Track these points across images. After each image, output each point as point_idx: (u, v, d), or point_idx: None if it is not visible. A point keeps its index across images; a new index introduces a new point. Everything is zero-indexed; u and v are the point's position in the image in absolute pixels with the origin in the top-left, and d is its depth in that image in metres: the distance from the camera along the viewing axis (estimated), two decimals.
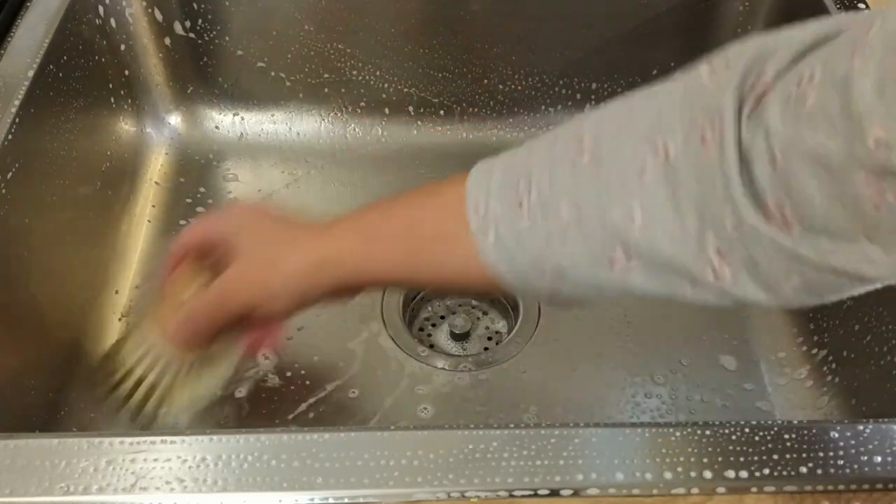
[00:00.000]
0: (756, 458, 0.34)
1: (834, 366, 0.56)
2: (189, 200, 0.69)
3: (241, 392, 0.56)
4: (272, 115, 0.74)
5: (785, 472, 0.34)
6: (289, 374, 0.57)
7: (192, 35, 0.70)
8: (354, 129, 0.74)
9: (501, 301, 0.63)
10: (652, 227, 0.31)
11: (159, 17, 0.68)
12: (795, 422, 0.36)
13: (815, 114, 0.27)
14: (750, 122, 0.29)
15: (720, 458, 0.34)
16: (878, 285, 0.30)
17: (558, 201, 0.33)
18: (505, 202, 0.35)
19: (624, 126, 0.33)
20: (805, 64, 0.28)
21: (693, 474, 0.34)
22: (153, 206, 0.68)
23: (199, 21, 0.69)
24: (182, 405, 0.47)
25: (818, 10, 0.61)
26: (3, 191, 0.48)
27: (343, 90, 0.73)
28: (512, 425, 0.36)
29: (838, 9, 0.60)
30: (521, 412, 0.56)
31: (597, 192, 0.33)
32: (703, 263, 0.31)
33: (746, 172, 0.29)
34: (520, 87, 0.73)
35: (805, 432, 0.35)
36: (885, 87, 0.24)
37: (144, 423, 0.46)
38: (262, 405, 0.56)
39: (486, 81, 0.73)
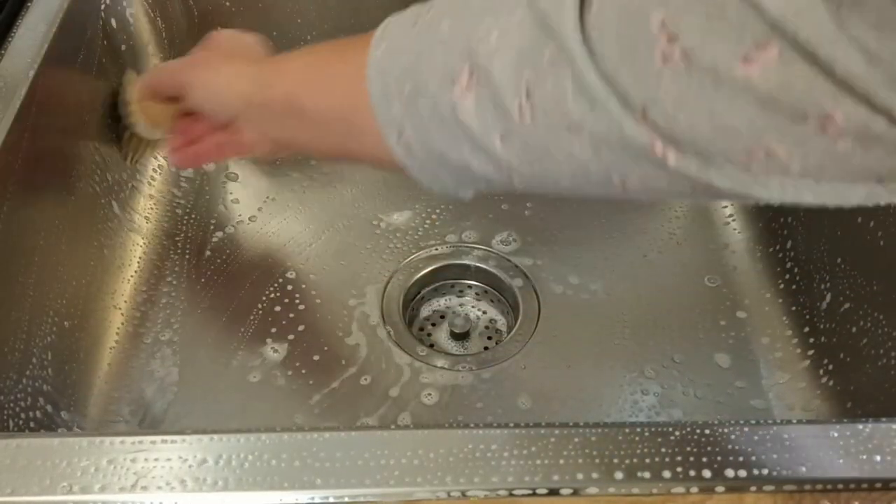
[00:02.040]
0: (755, 457, 0.35)
1: (830, 367, 0.56)
2: (189, 201, 0.69)
3: (255, 378, 0.56)
4: None
5: (784, 472, 0.34)
6: (289, 372, 0.57)
7: (192, 35, 0.70)
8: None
9: (502, 300, 0.64)
10: (499, 54, 0.29)
11: (159, 17, 0.68)
12: (795, 421, 0.36)
13: None
14: None
15: (719, 458, 0.35)
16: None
17: (441, 18, 0.32)
18: (404, 19, 0.34)
19: None
20: None
21: (692, 473, 0.34)
22: (153, 204, 0.68)
23: (199, 21, 0.69)
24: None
25: None
26: (3, 190, 0.48)
27: None
28: (512, 425, 0.36)
29: None
30: (521, 410, 0.56)
31: (476, 9, 0.31)
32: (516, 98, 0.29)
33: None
34: None
35: (805, 431, 0.35)
36: None
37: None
38: (266, 402, 0.56)
39: None
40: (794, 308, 0.61)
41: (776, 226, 0.64)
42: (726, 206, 0.69)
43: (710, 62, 0.24)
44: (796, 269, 0.61)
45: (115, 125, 0.63)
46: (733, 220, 0.68)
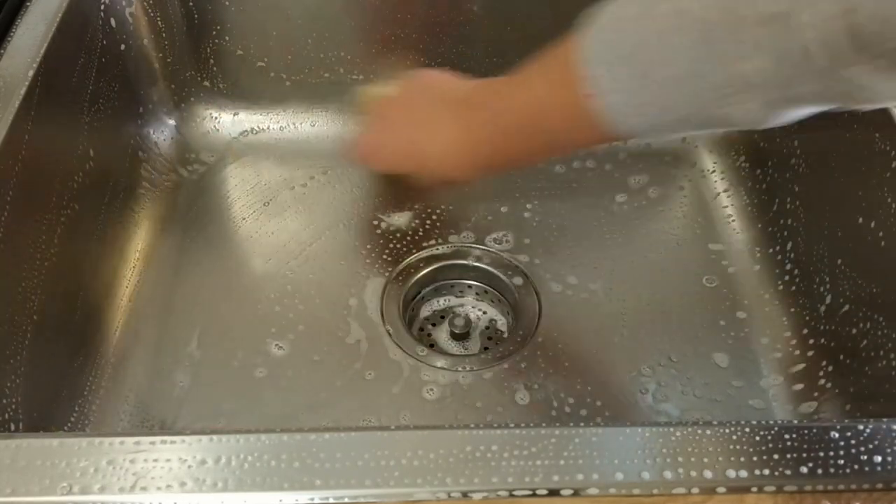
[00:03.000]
0: (756, 457, 0.35)
1: (829, 369, 0.56)
2: (189, 201, 0.69)
3: (260, 373, 0.56)
4: (272, 116, 0.74)
5: (785, 472, 0.34)
6: (290, 372, 0.57)
7: (192, 35, 0.70)
8: (355, 130, 0.74)
9: (501, 300, 0.64)
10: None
11: (159, 17, 0.68)
12: (796, 422, 0.36)
13: None
14: None
15: (720, 458, 0.34)
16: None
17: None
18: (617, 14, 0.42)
19: None
20: None
21: (693, 474, 0.34)
22: (153, 203, 0.68)
23: (199, 21, 0.69)
24: None
25: None
26: (3, 191, 0.48)
27: (343, 90, 0.73)
28: (512, 425, 0.36)
29: None
30: (522, 409, 0.56)
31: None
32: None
33: None
34: None
35: (805, 432, 0.35)
36: None
37: None
38: (268, 401, 0.56)
39: None
40: (793, 309, 0.61)
41: (776, 227, 0.64)
42: (726, 207, 0.69)
43: None
44: (796, 271, 0.61)
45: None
46: (733, 221, 0.68)
